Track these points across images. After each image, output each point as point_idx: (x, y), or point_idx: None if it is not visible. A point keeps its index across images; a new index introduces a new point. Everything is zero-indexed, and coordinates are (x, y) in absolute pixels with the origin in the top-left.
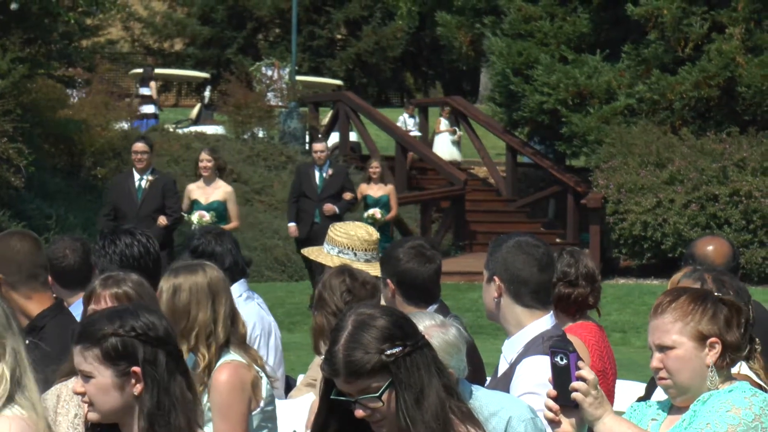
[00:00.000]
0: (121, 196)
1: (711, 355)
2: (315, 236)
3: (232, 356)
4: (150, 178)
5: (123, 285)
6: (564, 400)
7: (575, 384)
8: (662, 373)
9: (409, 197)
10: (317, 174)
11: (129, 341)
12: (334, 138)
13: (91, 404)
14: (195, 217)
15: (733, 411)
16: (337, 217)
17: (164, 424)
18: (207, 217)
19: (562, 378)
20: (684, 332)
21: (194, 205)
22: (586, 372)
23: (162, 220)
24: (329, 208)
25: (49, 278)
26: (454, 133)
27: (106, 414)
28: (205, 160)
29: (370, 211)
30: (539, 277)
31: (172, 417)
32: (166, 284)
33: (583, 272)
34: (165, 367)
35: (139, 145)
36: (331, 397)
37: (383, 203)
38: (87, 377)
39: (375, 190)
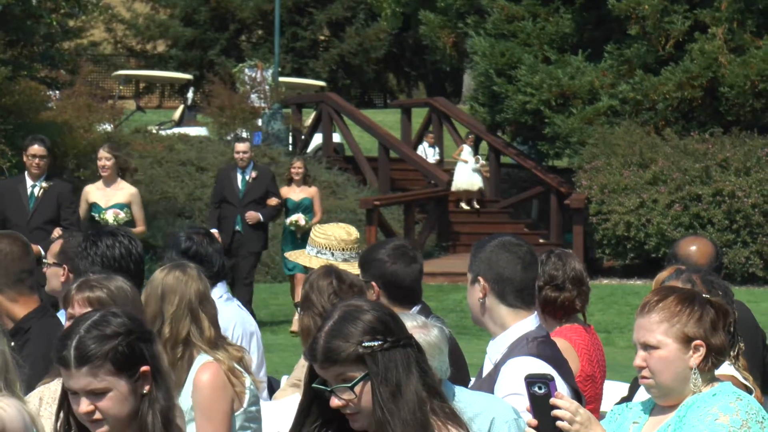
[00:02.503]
0: (10, 204)
1: (695, 358)
2: (238, 245)
3: (213, 356)
4: (44, 185)
5: (96, 290)
6: (546, 428)
7: (558, 412)
8: (645, 372)
9: (392, 198)
10: (239, 177)
11: (134, 344)
12: (318, 139)
13: (100, 420)
14: (110, 216)
15: (721, 419)
16: (262, 226)
17: (173, 417)
18: (122, 214)
19: (541, 407)
20: (669, 333)
21: (93, 208)
22: (565, 402)
23: (56, 233)
24: (252, 215)
25: None
26: (477, 161)
27: (117, 424)
28: (104, 158)
29: (293, 217)
30: (523, 275)
31: (175, 410)
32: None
33: (570, 275)
34: (162, 359)
35: (36, 148)
36: (312, 385)
37: (305, 207)
38: (101, 394)
39: (296, 193)
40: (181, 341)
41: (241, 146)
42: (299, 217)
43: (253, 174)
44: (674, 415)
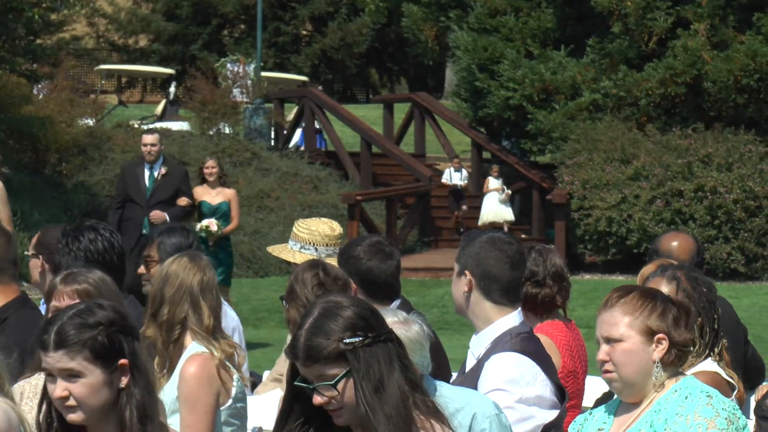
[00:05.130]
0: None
1: (658, 351)
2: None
3: (206, 346)
4: (162, 170)
5: (83, 282)
6: None
7: None
8: (608, 366)
9: (375, 193)
10: (147, 173)
11: (114, 336)
12: (300, 134)
13: (74, 406)
14: (203, 223)
15: (711, 427)
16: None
17: (151, 414)
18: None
19: None
20: (632, 326)
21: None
22: None
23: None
24: (157, 215)
25: None
26: (502, 191)
27: (92, 413)
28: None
29: (204, 222)
30: (510, 274)
31: (155, 406)
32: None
33: (551, 271)
34: (142, 356)
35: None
36: (294, 383)
37: (222, 212)
38: (75, 377)
39: (212, 196)
40: (178, 323)
41: (149, 138)
42: (210, 223)
43: (163, 170)
44: (646, 414)
